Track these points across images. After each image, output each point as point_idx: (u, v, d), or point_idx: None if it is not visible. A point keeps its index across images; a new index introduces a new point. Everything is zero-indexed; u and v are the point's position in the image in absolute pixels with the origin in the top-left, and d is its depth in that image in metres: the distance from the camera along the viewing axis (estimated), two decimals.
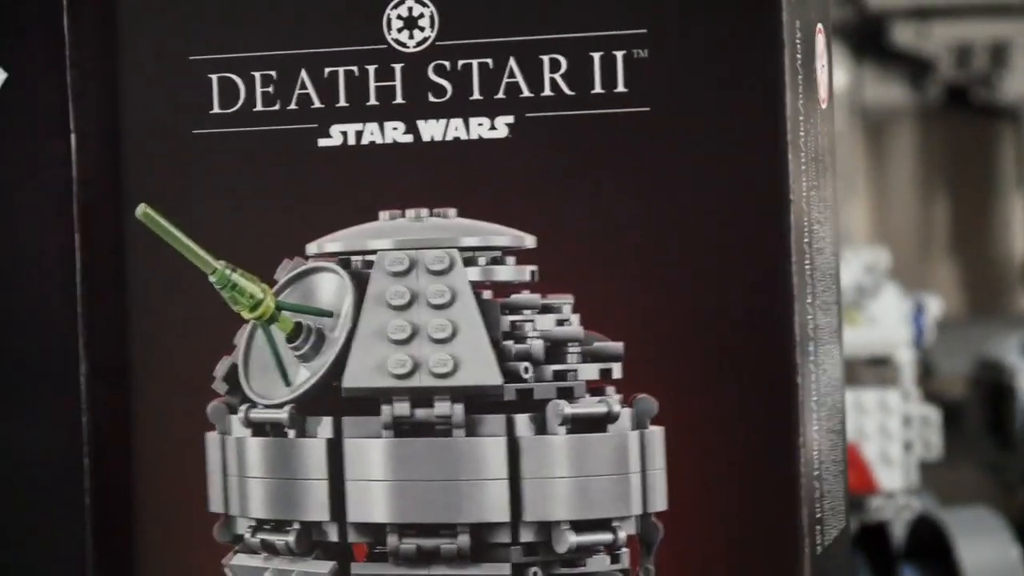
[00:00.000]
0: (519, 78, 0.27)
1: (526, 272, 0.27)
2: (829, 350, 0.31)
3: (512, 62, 0.27)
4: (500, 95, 0.27)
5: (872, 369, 0.55)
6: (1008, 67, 0.85)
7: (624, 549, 0.27)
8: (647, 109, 0.27)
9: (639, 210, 0.28)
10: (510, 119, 0.27)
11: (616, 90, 0.27)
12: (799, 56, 0.28)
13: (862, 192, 0.93)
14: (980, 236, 1.03)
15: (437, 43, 0.27)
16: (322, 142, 0.28)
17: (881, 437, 0.56)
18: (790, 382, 0.26)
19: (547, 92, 0.27)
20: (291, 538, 0.27)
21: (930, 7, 0.85)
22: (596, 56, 0.27)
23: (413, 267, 0.27)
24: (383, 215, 0.28)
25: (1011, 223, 1.01)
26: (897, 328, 0.57)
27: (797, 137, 0.28)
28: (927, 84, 0.87)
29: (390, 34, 0.28)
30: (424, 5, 0.27)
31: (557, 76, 0.27)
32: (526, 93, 0.27)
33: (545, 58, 0.27)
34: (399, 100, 0.28)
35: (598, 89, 0.27)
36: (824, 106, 0.31)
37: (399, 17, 0.27)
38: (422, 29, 0.28)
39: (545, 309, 0.27)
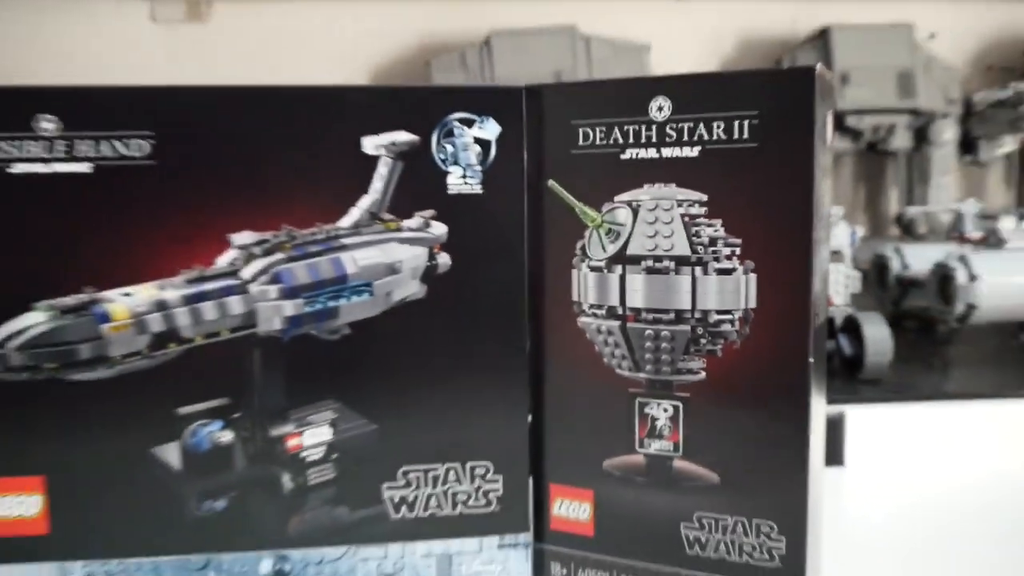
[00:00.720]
0: (703, 130, 0.44)
1: (703, 209, 0.44)
2: (823, 247, 0.45)
3: (701, 124, 0.44)
4: (695, 137, 0.44)
5: (833, 255, 0.84)
6: (894, 136, 1.25)
7: (736, 322, 0.45)
8: (756, 145, 0.43)
9: (749, 186, 0.44)
10: (699, 148, 0.44)
11: (744, 136, 0.43)
12: (820, 124, 0.43)
13: (832, 185, 1.36)
14: (877, 206, 1.43)
15: (670, 117, 0.45)
16: (622, 156, 0.46)
17: (835, 282, 0.87)
18: (807, 258, 0.43)
19: (715, 136, 0.44)
20: (603, 311, 0.47)
21: (862, 110, 1.24)
22: (736, 122, 0.43)
23: (657, 206, 0.45)
24: (646, 186, 0.45)
25: (890, 201, 1.41)
26: (843, 239, 0.89)
27: (818, 158, 0.42)
28: (859, 142, 1.22)
29: (650, 114, 0.45)
30: (666, 101, 0.45)
31: (719, 130, 0.44)
32: (707, 137, 0.44)
33: (714, 122, 0.43)
34: (653, 139, 0.45)
35: (735, 136, 0.43)
36: (828, 144, 0.45)
37: (655, 107, 0.45)
38: (662, 110, 0.45)
39: (709, 225, 0.44)
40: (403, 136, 0.47)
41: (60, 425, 0.47)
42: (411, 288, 0.48)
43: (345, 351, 0.48)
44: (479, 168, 0.48)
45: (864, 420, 0.74)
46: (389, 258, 0.48)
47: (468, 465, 0.50)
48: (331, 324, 0.48)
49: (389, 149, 0.46)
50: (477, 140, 0.47)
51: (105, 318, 0.46)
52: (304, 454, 0.49)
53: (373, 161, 0.47)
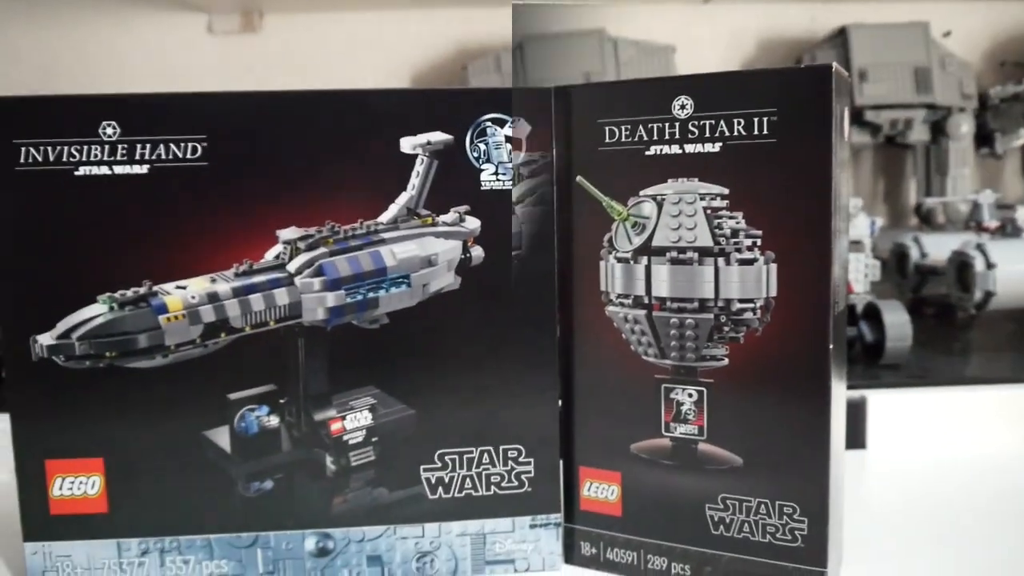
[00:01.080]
0: (724, 127, 0.43)
1: (724, 202, 0.44)
2: (841, 237, 0.44)
3: (721, 121, 0.43)
4: (716, 134, 0.43)
5: (853, 245, 0.85)
6: (912, 130, 1.21)
7: (758, 310, 0.44)
8: (775, 140, 0.42)
9: (769, 181, 0.43)
10: (720, 144, 0.43)
11: (764, 132, 0.42)
12: (837, 119, 0.42)
13: (853, 178, 1.32)
14: (896, 197, 1.39)
15: (692, 115, 0.44)
16: (646, 152, 0.45)
17: (855, 271, 0.84)
18: (827, 248, 0.42)
19: (736, 132, 0.43)
20: (630, 300, 0.46)
21: (880, 105, 1.20)
22: (755, 119, 0.42)
23: (680, 200, 0.45)
24: (670, 180, 0.45)
25: (908, 192, 1.37)
26: (863, 229, 0.85)
27: (836, 152, 0.42)
28: (878, 136, 1.20)
29: (673, 112, 0.44)
30: (688, 99, 0.44)
31: (739, 127, 0.43)
32: (728, 133, 0.43)
33: (735, 119, 0.43)
34: (676, 136, 0.44)
35: (755, 132, 0.42)
36: (845, 139, 0.44)
37: (677, 105, 0.44)
38: (684, 108, 0.44)
39: (730, 217, 0.44)
40: (438, 136, 0.46)
41: (118, 410, 0.47)
42: (447, 280, 0.48)
43: (384, 340, 0.48)
44: (510, 165, 0.47)
45: (885, 404, 0.73)
46: (426, 251, 0.47)
47: (501, 448, 0.49)
48: (371, 314, 0.47)
49: (425, 148, 0.46)
50: (508, 139, 0.47)
51: (162, 309, 0.46)
52: (346, 437, 0.49)
53: (411, 160, 0.46)
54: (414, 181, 0.46)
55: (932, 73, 1.25)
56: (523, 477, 0.49)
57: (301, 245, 0.47)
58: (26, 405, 0.47)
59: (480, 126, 0.47)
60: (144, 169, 0.46)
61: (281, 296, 0.47)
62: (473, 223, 0.47)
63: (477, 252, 0.48)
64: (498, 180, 0.47)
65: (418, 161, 0.46)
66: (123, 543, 0.48)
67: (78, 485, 0.48)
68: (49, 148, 0.46)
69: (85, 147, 0.46)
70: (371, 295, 0.47)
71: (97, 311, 0.46)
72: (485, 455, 0.49)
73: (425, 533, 0.49)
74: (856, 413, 0.72)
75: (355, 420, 0.48)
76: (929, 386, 0.78)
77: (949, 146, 1.29)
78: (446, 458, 0.49)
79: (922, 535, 0.56)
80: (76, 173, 0.46)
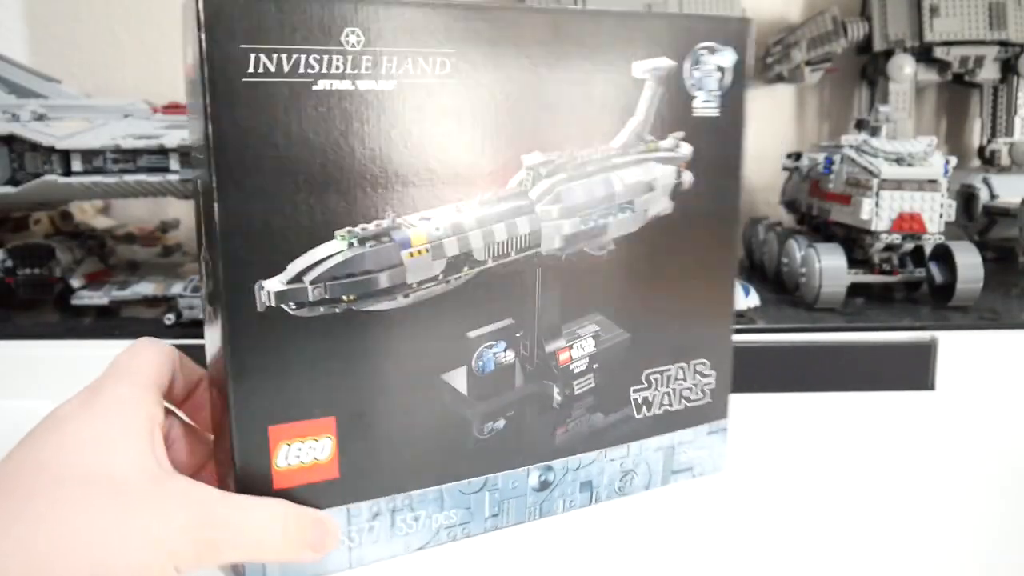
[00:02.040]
0: None
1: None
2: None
3: None
4: None
5: (928, 184, 0.80)
6: (982, 68, 1.16)
7: None
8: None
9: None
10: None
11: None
12: None
13: (916, 116, 1.28)
14: (960, 137, 1.35)
15: None
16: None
17: (930, 210, 0.80)
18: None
19: None
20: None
21: (951, 42, 1.15)
22: None
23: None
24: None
25: (971, 134, 1.34)
26: (939, 168, 0.80)
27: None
28: (945, 73, 1.17)
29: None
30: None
31: None
32: None
33: None
34: None
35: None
36: None
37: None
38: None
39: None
40: (665, 62, 0.46)
41: (351, 360, 0.42)
42: (663, 204, 0.48)
43: (608, 266, 0.47)
44: (718, 92, 0.48)
45: (956, 345, 0.71)
46: (648, 176, 0.47)
47: (691, 362, 0.51)
48: (600, 241, 0.47)
49: (652, 73, 0.46)
50: (718, 67, 0.48)
51: (407, 244, 0.41)
52: (572, 367, 0.47)
53: (638, 85, 0.46)
54: (642, 107, 0.46)
55: (1007, 8, 1.13)
56: (706, 388, 0.52)
57: (543, 171, 0.44)
58: (248, 365, 0.40)
59: (696, 53, 0.47)
60: (391, 85, 0.40)
61: (523, 224, 0.44)
62: (687, 149, 0.48)
63: (687, 177, 0.48)
64: (707, 107, 0.48)
65: (646, 87, 0.46)
66: (353, 509, 0.43)
67: (306, 451, 0.41)
68: (284, 56, 0.38)
69: (326, 57, 0.39)
70: (601, 221, 0.46)
71: (335, 248, 0.40)
72: (680, 371, 0.51)
73: (629, 452, 0.50)
74: (926, 354, 0.70)
75: (580, 348, 0.48)
76: (1001, 328, 0.75)
77: (1019, 85, 1.18)
78: (651, 377, 0.50)
79: (992, 476, 0.55)
80: (315, 87, 0.39)
